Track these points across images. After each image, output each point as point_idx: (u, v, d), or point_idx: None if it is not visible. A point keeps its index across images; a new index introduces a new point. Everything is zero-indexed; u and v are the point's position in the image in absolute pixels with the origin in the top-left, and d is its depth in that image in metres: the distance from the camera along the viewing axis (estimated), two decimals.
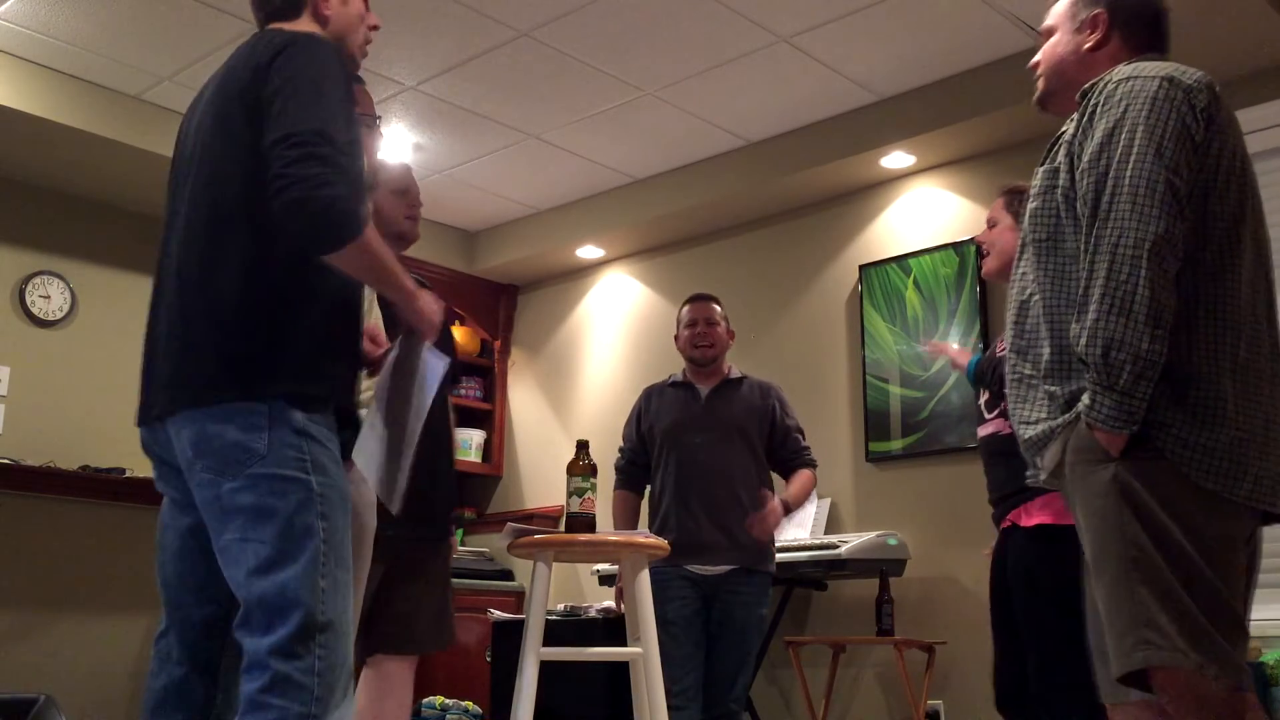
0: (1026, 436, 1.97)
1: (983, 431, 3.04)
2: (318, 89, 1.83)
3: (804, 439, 3.84)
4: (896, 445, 4.54)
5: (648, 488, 3.87)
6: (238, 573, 1.80)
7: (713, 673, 3.58)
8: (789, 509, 3.72)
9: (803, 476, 3.78)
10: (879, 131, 4.56)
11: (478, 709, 4.54)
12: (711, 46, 4.18)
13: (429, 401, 2.11)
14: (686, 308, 3.93)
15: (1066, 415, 1.88)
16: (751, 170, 4.96)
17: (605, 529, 3.33)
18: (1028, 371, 1.98)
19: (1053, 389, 1.91)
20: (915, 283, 4.61)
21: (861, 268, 4.80)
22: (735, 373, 3.87)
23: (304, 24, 2.05)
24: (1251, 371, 1.83)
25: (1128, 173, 1.80)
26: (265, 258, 1.84)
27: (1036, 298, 1.97)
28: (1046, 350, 1.93)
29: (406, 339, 2.09)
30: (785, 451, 3.79)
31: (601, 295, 5.84)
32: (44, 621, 4.68)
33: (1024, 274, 2.02)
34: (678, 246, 5.53)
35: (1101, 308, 1.77)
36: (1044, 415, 1.93)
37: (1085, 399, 1.82)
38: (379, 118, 2.84)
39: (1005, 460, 2.91)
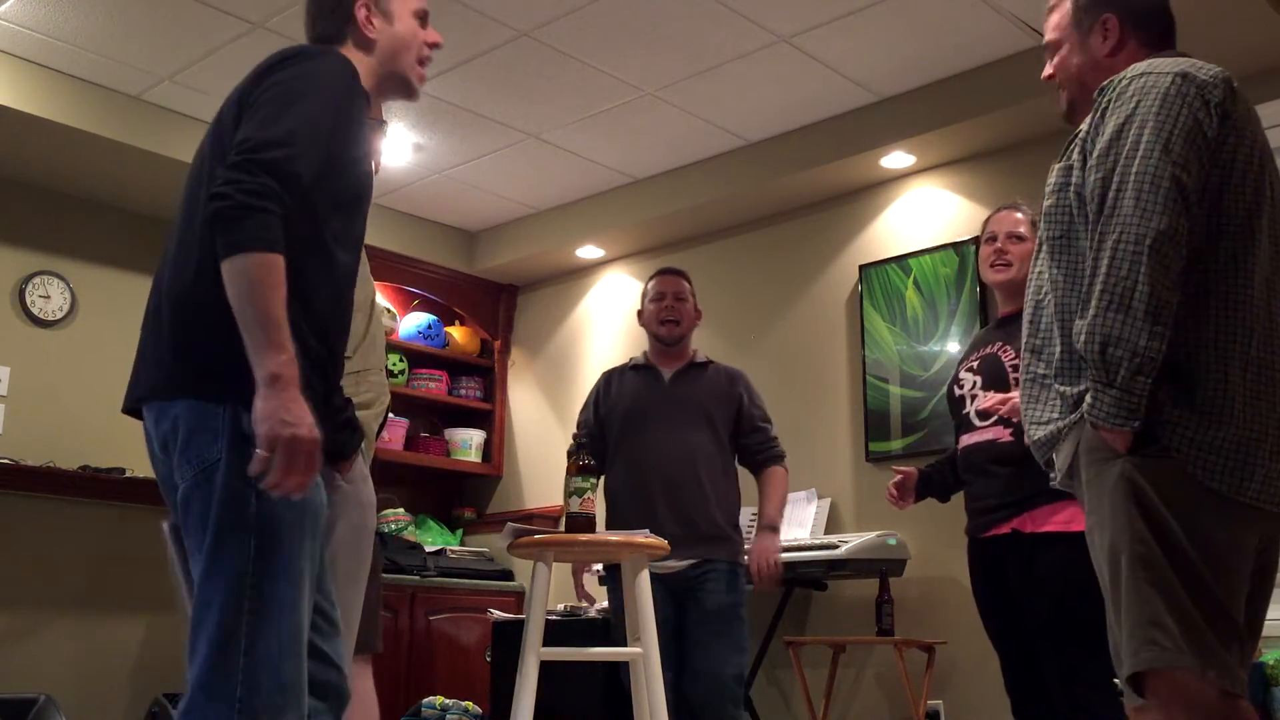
0: (1036, 437, 1.96)
1: (976, 439, 3.02)
2: (296, 96, 1.78)
3: (772, 429, 3.69)
4: (896, 445, 4.54)
5: (603, 476, 3.65)
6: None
7: (700, 672, 3.39)
8: (775, 528, 3.57)
9: (775, 478, 3.61)
10: (879, 131, 4.56)
11: (478, 709, 4.54)
12: (711, 46, 4.18)
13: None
14: (653, 280, 3.76)
15: (1074, 415, 1.87)
16: (751, 170, 4.96)
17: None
18: (1041, 371, 1.96)
19: (1063, 389, 1.89)
20: (915, 283, 4.61)
21: (861, 268, 4.80)
22: (701, 357, 3.71)
23: (346, 50, 1.98)
24: (1264, 369, 1.81)
25: (1134, 168, 1.79)
26: (217, 275, 1.78)
27: (1050, 297, 1.95)
28: (1058, 350, 1.91)
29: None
30: (753, 444, 3.63)
31: (601, 295, 5.84)
32: (44, 621, 4.68)
33: (1039, 273, 2.00)
34: (678, 246, 5.53)
35: (1100, 304, 1.76)
36: (1055, 415, 1.92)
37: (1087, 397, 1.80)
38: (385, 121, 2.82)
39: (1005, 468, 2.91)
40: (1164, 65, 1.90)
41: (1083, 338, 1.79)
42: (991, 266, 3.15)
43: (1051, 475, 2.01)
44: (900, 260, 4.68)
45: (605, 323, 5.78)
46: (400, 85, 2.08)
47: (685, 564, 3.45)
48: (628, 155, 5.09)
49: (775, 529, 3.58)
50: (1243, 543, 1.79)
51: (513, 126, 4.83)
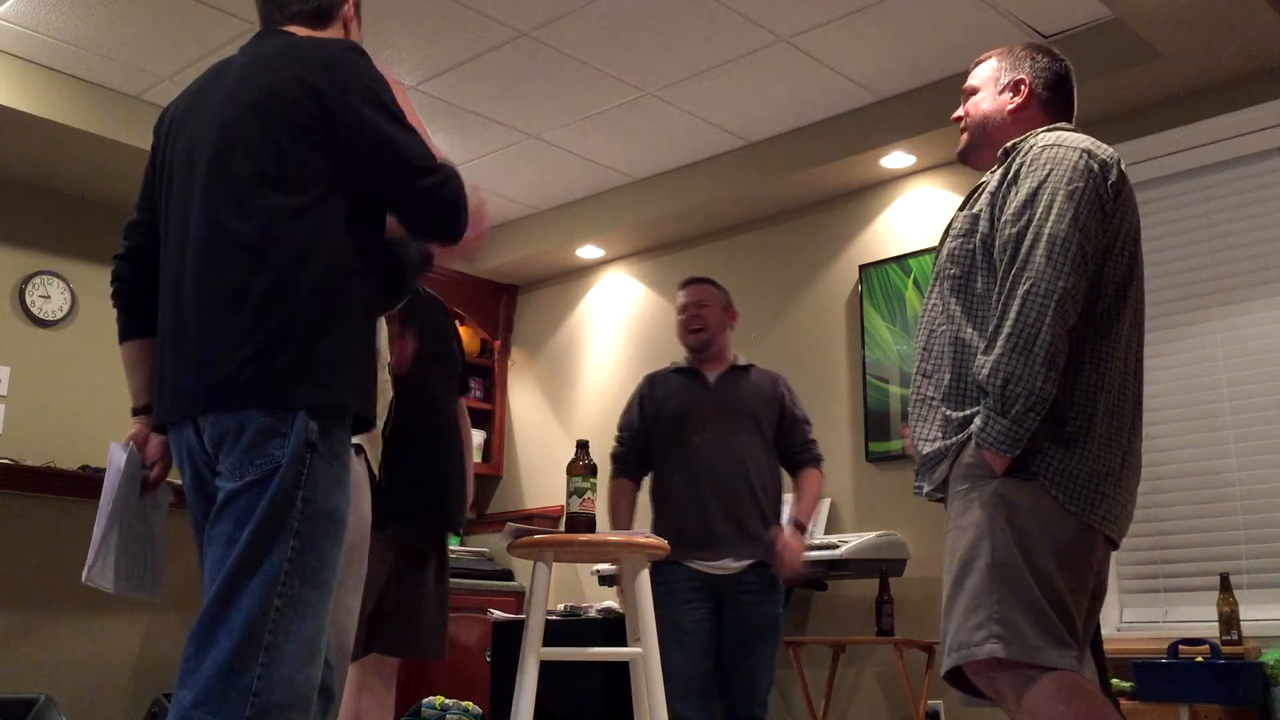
0: (924, 452, 2.16)
1: None
2: (395, 112, 1.94)
3: (811, 430, 3.74)
4: (896, 445, 4.54)
5: (645, 478, 3.74)
6: (209, 573, 1.81)
7: (733, 678, 3.46)
8: (803, 527, 3.59)
9: (811, 481, 3.66)
10: (879, 131, 4.56)
11: (478, 709, 4.55)
12: (711, 46, 4.18)
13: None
14: (680, 293, 3.84)
15: (959, 436, 2.08)
16: (751, 170, 4.96)
17: (605, 528, 3.32)
18: (929, 394, 2.18)
19: (949, 412, 2.11)
20: (915, 283, 4.61)
21: (861, 268, 4.80)
22: (742, 360, 3.76)
23: (331, 35, 2.07)
24: (1116, 416, 2.06)
25: (1046, 230, 2.00)
26: (300, 272, 1.84)
27: (944, 329, 2.16)
28: (947, 377, 2.13)
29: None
30: (792, 443, 3.67)
31: (601, 295, 5.84)
32: (44, 621, 4.68)
33: (934, 305, 2.22)
34: (678, 246, 5.54)
35: (1007, 345, 1.98)
36: (939, 435, 2.13)
37: (978, 421, 2.02)
38: None
39: None
40: (1070, 140, 2.11)
41: (985, 371, 2.00)
42: None
43: (918, 485, 2.22)
44: (900, 260, 4.68)
45: (605, 323, 5.78)
46: None
47: (742, 565, 3.49)
48: (628, 155, 5.09)
49: (803, 528, 3.62)
50: (1089, 559, 2.02)
51: (513, 126, 4.83)
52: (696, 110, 4.67)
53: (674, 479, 3.59)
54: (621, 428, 3.77)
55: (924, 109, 4.43)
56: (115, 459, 2.12)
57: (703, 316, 3.73)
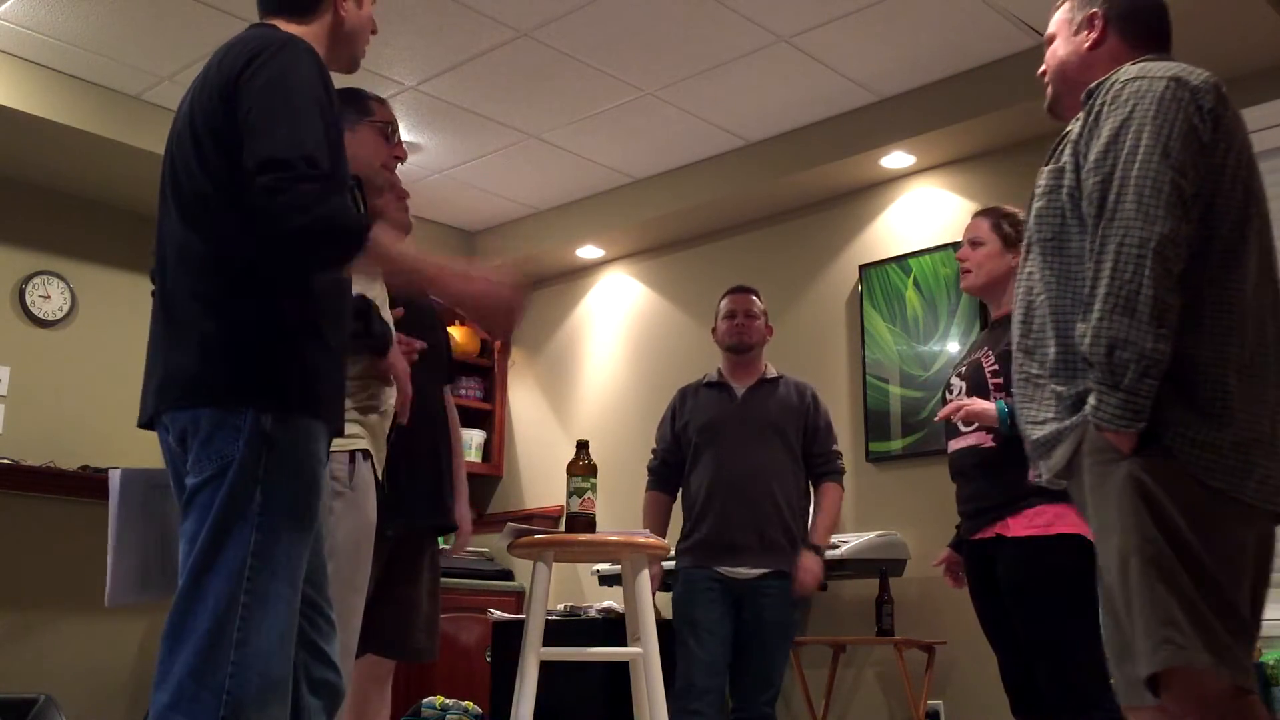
0: (1035, 437, 1.95)
1: (960, 444, 3.02)
2: (291, 105, 1.81)
3: (835, 441, 3.77)
4: (896, 445, 4.54)
5: (680, 489, 3.81)
6: (180, 572, 1.81)
7: (746, 675, 3.53)
8: (819, 549, 3.65)
9: (827, 499, 3.71)
10: (879, 131, 4.56)
11: (478, 709, 4.55)
12: (711, 46, 4.18)
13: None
14: (726, 299, 3.87)
15: (1075, 416, 1.87)
16: (751, 170, 4.96)
17: (605, 529, 3.33)
18: (1035, 371, 1.96)
19: (1059, 389, 1.90)
20: (915, 283, 4.61)
21: (861, 268, 4.80)
22: (772, 372, 3.81)
23: (315, 26, 2.04)
24: (1256, 371, 1.82)
25: (1134, 172, 1.79)
26: (244, 270, 1.84)
27: (1042, 298, 1.95)
28: (1053, 350, 1.92)
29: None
30: (813, 454, 3.72)
31: (601, 295, 5.84)
32: (44, 621, 4.68)
33: (1030, 274, 2.00)
34: (678, 246, 5.53)
35: (1105, 307, 1.76)
36: (1051, 415, 1.92)
37: (1091, 400, 1.80)
38: (391, 122, 2.81)
39: (986, 472, 2.92)
40: (1156, 70, 1.89)
41: (1088, 340, 1.79)
42: (960, 274, 3.21)
43: (1036, 474, 2.01)
44: (900, 260, 4.68)
45: (605, 323, 5.78)
46: (348, 62, 2.16)
47: (757, 573, 3.55)
48: (628, 155, 5.09)
49: (819, 551, 3.66)
50: (1244, 540, 1.79)
51: (513, 126, 4.83)
52: (696, 110, 4.67)
53: (700, 489, 3.66)
54: (656, 440, 3.87)
55: (924, 109, 4.43)
56: (111, 484, 2.12)
57: (750, 327, 3.78)
